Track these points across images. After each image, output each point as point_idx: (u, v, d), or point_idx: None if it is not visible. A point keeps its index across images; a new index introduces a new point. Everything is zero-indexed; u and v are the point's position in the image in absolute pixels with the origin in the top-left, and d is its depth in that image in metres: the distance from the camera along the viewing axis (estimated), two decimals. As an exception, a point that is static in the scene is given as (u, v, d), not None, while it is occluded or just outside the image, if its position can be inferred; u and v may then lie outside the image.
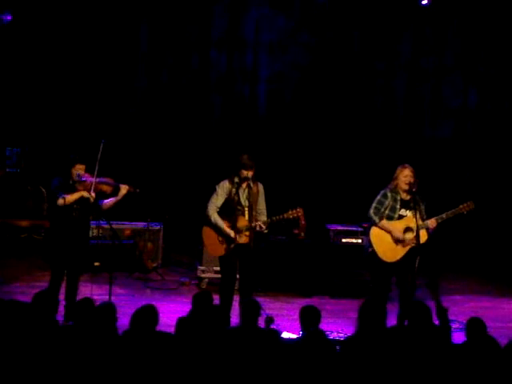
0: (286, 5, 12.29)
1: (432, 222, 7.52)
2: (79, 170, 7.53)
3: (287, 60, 12.47)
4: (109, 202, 7.74)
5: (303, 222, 10.08)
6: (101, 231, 9.75)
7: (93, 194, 7.47)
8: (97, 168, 7.55)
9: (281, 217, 7.66)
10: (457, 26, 12.22)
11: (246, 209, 7.60)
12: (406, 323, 6.20)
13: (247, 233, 7.54)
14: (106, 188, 7.64)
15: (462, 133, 12.53)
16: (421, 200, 7.66)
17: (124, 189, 7.67)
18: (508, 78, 12.26)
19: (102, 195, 7.67)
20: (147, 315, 5.47)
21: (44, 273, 9.55)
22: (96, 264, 9.70)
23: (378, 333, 5.61)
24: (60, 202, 7.41)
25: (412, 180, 7.56)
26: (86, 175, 7.56)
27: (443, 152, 12.49)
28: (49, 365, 5.16)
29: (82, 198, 7.52)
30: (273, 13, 12.28)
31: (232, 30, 12.41)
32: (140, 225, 10.71)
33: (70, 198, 7.45)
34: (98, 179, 7.56)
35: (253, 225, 7.49)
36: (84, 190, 7.51)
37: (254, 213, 7.57)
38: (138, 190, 7.80)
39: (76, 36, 11.95)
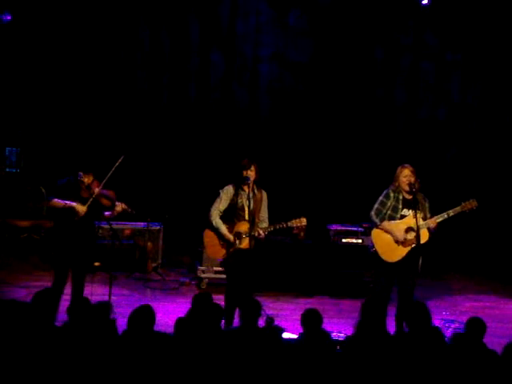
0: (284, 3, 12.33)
1: (432, 222, 7.50)
2: (86, 178, 7.52)
3: (287, 58, 12.47)
4: (106, 215, 7.79)
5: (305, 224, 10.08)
6: (101, 231, 9.76)
7: (84, 209, 7.46)
8: (105, 180, 7.57)
9: (283, 225, 7.66)
10: (457, 25, 12.21)
11: (248, 215, 7.62)
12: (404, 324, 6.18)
13: (247, 238, 7.55)
14: (105, 202, 7.65)
15: (462, 129, 12.54)
16: (424, 198, 7.65)
17: (119, 207, 7.68)
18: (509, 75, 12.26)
19: (101, 207, 7.66)
20: (144, 315, 5.46)
21: (44, 273, 9.56)
22: (96, 264, 9.69)
23: (378, 333, 5.61)
24: (45, 203, 7.45)
25: (412, 180, 7.54)
26: (94, 184, 7.56)
27: (442, 153, 12.51)
28: (47, 364, 5.15)
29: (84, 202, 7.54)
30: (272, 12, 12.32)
31: (231, 30, 12.41)
32: (140, 225, 10.71)
33: (57, 203, 7.48)
34: (101, 191, 7.56)
35: (253, 233, 7.50)
36: (86, 196, 7.50)
37: (256, 220, 7.60)
38: (133, 212, 7.82)
39: (76, 36, 11.94)
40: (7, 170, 11.64)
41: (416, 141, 12.44)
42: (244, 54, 12.46)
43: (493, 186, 12.14)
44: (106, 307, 5.64)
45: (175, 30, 12.32)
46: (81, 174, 7.50)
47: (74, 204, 7.44)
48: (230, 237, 7.59)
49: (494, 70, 12.29)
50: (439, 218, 7.50)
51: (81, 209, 7.44)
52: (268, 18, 12.34)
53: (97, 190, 7.51)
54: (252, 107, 12.61)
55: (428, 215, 7.56)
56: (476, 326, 5.61)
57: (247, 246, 7.54)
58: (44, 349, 5.25)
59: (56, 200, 7.50)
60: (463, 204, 7.51)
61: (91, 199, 7.46)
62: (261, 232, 7.55)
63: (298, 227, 7.98)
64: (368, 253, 9.54)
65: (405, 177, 7.56)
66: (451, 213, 7.50)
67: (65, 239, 7.52)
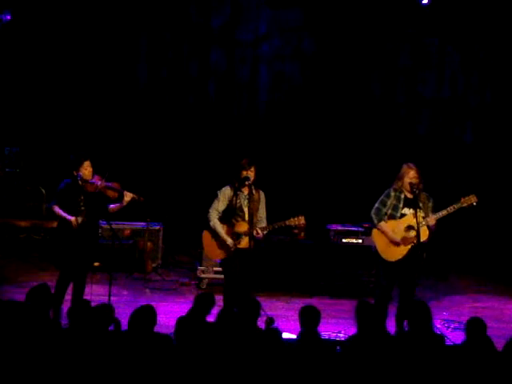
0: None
1: (431, 220, 7.47)
2: (87, 166, 7.56)
3: (287, 58, 12.45)
4: (114, 207, 7.78)
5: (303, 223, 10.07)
6: (100, 231, 9.74)
7: (78, 220, 7.47)
8: (107, 175, 7.61)
9: (282, 224, 7.67)
10: (457, 25, 12.19)
11: (247, 215, 7.61)
12: (405, 323, 6.17)
13: (246, 238, 7.55)
14: (111, 193, 7.68)
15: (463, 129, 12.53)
16: (427, 198, 7.61)
17: (128, 196, 7.69)
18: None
19: (107, 200, 7.69)
20: (145, 316, 5.45)
21: (44, 273, 9.59)
22: (96, 264, 9.68)
23: (378, 334, 5.60)
24: (46, 207, 7.52)
25: (417, 181, 7.51)
26: (96, 178, 7.59)
27: (442, 151, 12.49)
28: (45, 364, 5.14)
29: (87, 200, 7.54)
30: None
31: (232, 28, 12.41)
32: (140, 225, 10.70)
33: (58, 212, 7.55)
34: (105, 183, 7.59)
35: (253, 234, 7.50)
36: (91, 191, 7.55)
37: (254, 219, 7.59)
38: (142, 199, 7.82)
39: (75, 36, 11.95)
40: (7, 169, 11.64)
41: (416, 140, 12.42)
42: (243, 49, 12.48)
43: (493, 185, 12.11)
44: (106, 309, 5.64)
45: (175, 27, 12.35)
46: (80, 174, 7.52)
47: (70, 218, 7.47)
48: (227, 238, 7.59)
49: (495, 69, 12.28)
50: (439, 215, 7.47)
51: (74, 222, 7.47)
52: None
53: (101, 182, 7.53)
54: (251, 107, 12.60)
55: (430, 214, 7.52)
56: (476, 326, 5.60)
57: (247, 246, 7.55)
58: (42, 348, 5.24)
59: (57, 208, 7.56)
60: (463, 199, 7.46)
61: (97, 193, 7.51)
62: (259, 231, 7.54)
63: (297, 226, 7.97)
64: (368, 253, 9.52)
65: (410, 178, 7.52)
66: (451, 209, 7.46)
67: (69, 239, 7.52)
